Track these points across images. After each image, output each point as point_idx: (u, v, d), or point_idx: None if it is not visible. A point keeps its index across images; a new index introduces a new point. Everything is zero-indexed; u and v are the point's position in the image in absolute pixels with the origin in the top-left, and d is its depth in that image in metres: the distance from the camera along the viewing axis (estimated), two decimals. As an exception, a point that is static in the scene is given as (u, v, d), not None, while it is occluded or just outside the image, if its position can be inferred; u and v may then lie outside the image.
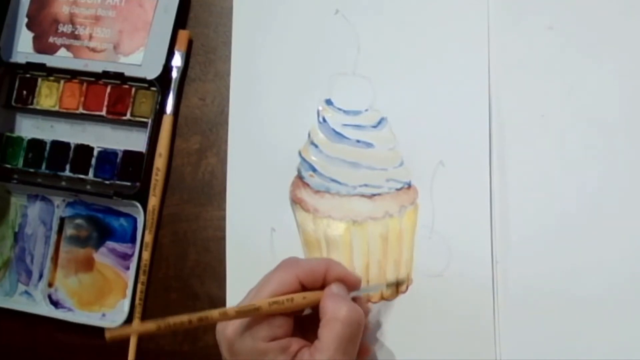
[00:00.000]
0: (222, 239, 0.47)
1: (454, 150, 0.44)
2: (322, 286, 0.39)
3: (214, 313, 0.37)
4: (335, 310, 0.37)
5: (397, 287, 0.44)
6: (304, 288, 0.38)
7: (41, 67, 0.51)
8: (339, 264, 0.40)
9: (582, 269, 0.43)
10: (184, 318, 0.37)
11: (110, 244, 0.50)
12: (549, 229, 0.43)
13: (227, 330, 0.38)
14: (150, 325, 0.37)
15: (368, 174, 0.45)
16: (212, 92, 0.50)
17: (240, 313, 0.37)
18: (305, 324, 0.40)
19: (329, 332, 0.37)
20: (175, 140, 0.50)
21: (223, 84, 0.49)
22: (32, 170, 0.51)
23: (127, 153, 0.50)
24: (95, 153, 0.50)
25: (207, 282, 0.48)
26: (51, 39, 0.52)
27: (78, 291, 0.50)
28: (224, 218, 0.47)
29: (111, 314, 0.49)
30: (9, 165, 0.52)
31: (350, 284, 0.40)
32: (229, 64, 0.49)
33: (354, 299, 0.40)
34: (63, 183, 0.51)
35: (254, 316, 0.37)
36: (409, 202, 0.45)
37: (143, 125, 0.50)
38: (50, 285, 0.50)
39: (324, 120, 0.46)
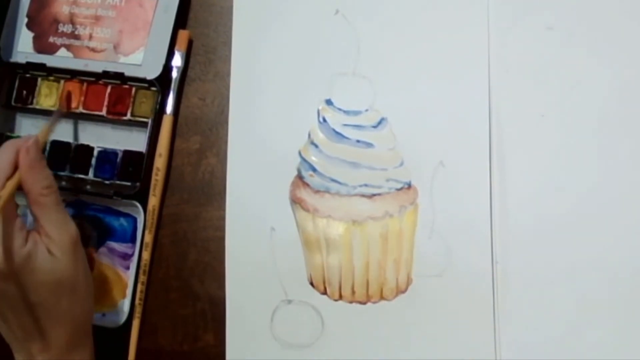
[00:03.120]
0: (222, 238, 0.47)
1: (454, 151, 0.45)
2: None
3: None
4: (38, 183, 0.41)
5: (66, 104, 0.47)
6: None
7: (41, 67, 0.51)
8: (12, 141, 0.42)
9: (582, 269, 0.43)
10: None
11: (110, 244, 0.50)
12: (549, 228, 0.43)
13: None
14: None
15: (368, 174, 0.45)
16: (212, 92, 0.50)
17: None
18: None
19: (44, 206, 0.41)
20: (175, 140, 0.50)
21: (223, 84, 0.49)
22: (32, 170, 0.51)
23: (127, 153, 0.50)
24: (95, 153, 0.50)
25: (207, 282, 0.48)
26: (51, 39, 0.52)
27: (78, 291, 0.50)
28: (223, 218, 0.47)
29: (111, 313, 0.49)
30: (9, 165, 0.52)
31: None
32: (229, 64, 0.49)
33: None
34: (63, 183, 0.51)
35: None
36: (409, 202, 0.45)
37: (143, 125, 0.50)
38: (50, 285, 0.50)
39: (324, 120, 0.46)
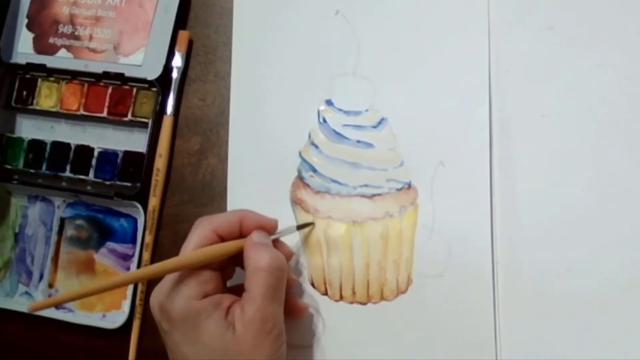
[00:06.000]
0: (223, 239, 0.47)
1: (454, 150, 0.44)
2: (241, 236, 0.40)
3: (133, 274, 0.39)
4: (258, 259, 0.38)
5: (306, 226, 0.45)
6: (222, 241, 0.39)
7: (41, 67, 0.51)
8: (253, 212, 0.41)
9: (583, 269, 0.43)
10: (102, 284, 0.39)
11: (110, 244, 0.50)
12: (549, 228, 0.43)
13: (158, 297, 0.38)
14: (71, 294, 0.39)
15: (368, 174, 0.45)
16: (212, 92, 0.50)
17: (163, 269, 0.38)
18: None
19: (255, 282, 0.38)
20: (176, 141, 0.50)
21: (223, 84, 0.49)
22: (32, 171, 0.51)
23: (127, 154, 0.50)
24: (95, 154, 0.50)
25: (208, 282, 0.48)
26: (51, 40, 0.52)
27: (79, 292, 0.50)
28: (224, 218, 0.47)
29: (112, 314, 0.49)
30: (9, 166, 0.52)
31: (268, 228, 0.41)
32: (229, 64, 0.49)
33: (275, 244, 0.41)
34: (63, 184, 0.51)
35: (180, 270, 0.38)
36: (409, 202, 0.45)
37: (144, 125, 0.50)
38: (50, 286, 0.50)
39: (325, 120, 0.46)
